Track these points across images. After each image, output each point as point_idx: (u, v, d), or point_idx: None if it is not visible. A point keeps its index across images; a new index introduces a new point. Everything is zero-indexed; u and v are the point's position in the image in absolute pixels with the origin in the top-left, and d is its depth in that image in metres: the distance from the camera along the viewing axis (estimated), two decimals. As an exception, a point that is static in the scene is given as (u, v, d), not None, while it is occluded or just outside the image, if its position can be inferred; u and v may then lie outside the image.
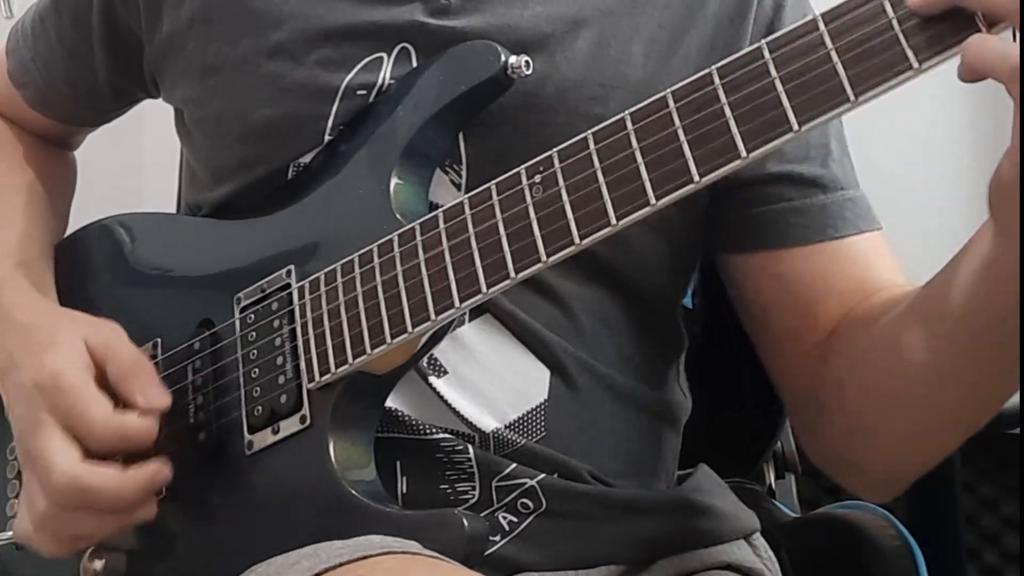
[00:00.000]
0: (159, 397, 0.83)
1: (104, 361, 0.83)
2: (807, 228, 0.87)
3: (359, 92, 0.86)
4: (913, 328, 0.78)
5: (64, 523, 0.81)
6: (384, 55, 0.86)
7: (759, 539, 0.94)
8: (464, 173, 0.85)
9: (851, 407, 0.84)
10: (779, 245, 0.88)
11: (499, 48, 0.81)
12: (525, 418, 0.85)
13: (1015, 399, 1.09)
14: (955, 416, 0.79)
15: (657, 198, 0.69)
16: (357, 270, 0.80)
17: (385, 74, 0.86)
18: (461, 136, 0.85)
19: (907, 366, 0.78)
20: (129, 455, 0.81)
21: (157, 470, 0.81)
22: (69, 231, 1.04)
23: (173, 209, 1.08)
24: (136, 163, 1.93)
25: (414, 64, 0.86)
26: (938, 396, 0.78)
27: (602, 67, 0.85)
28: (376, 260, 0.79)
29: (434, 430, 0.83)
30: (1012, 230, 0.66)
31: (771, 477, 1.14)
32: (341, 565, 0.69)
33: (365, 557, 0.69)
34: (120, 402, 0.82)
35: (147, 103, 1.06)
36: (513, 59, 0.80)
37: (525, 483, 0.83)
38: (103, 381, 0.83)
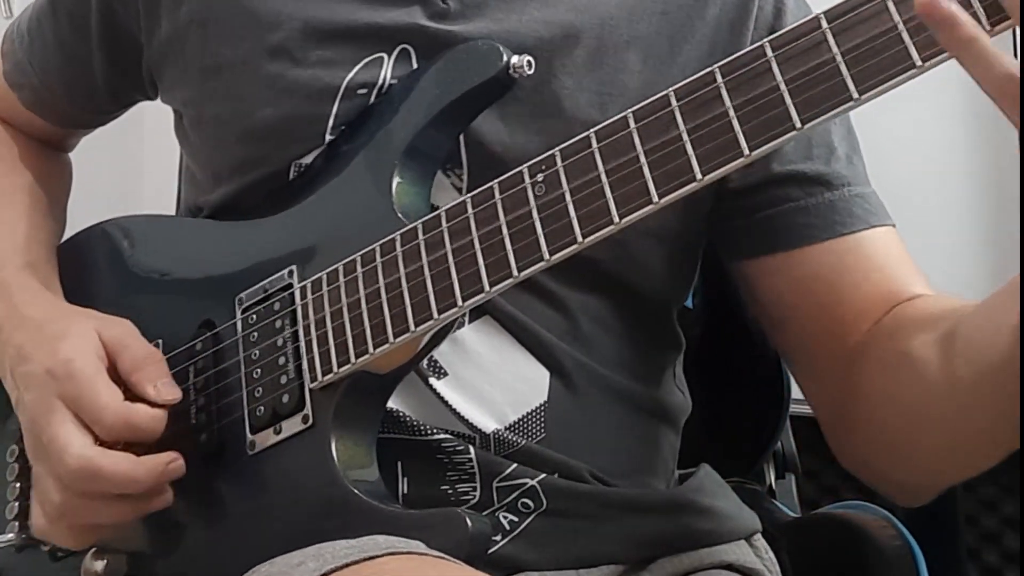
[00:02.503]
0: (170, 391, 0.83)
1: (116, 353, 0.84)
2: (815, 227, 0.86)
3: (360, 91, 0.86)
4: (951, 358, 0.74)
5: (80, 511, 0.81)
6: (384, 55, 0.86)
7: (760, 539, 0.94)
8: (465, 176, 0.85)
9: (879, 418, 0.82)
10: (790, 246, 0.86)
11: (501, 48, 0.81)
12: (525, 419, 0.85)
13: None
14: (990, 437, 0.75)
15: (660, 196, 0.70)
16: (359, 270, 0.80)
17: (386, 74, 0.86)
18: (462, 139, 0.85)
19: (942, 390, 0.75)
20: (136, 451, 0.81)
21: (171, 459, 0.81)
22: (69, 233, 1.04)
23: (173, 211, 1.08)
24: (136, 165, 1.93)
25: (414, 65, 0.86)
26: (973, 419, 0.75)
27: (600, 74, 0.85)
28: (378, 260, 0.79)
29: (435, 431, 0.83)
30: None
31: (771, 477, 1.14)
32: (347, 566, 0.68)
33: (370, 558, 0.69)
34: (130, 395, 0.82)
35: (147, 105, 1.06)
36: (515, 59, 0.80)
37: (526, 483, 0.83)
38: (114, 374, 0.83)
